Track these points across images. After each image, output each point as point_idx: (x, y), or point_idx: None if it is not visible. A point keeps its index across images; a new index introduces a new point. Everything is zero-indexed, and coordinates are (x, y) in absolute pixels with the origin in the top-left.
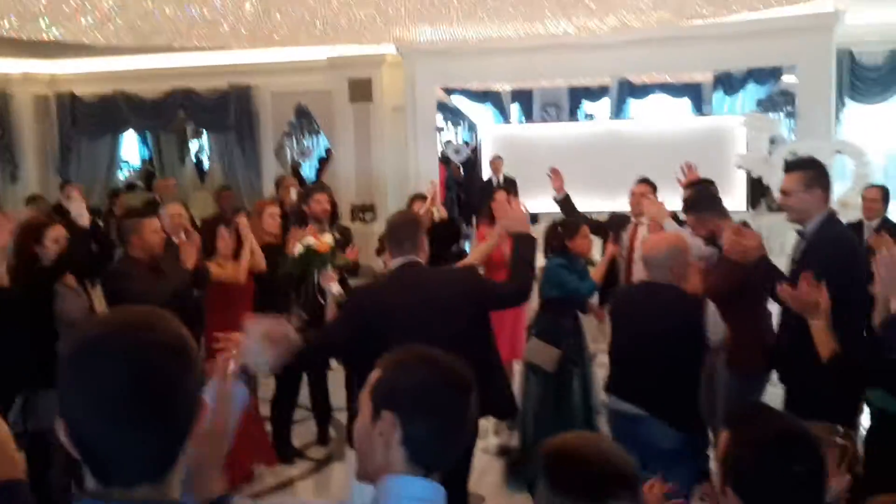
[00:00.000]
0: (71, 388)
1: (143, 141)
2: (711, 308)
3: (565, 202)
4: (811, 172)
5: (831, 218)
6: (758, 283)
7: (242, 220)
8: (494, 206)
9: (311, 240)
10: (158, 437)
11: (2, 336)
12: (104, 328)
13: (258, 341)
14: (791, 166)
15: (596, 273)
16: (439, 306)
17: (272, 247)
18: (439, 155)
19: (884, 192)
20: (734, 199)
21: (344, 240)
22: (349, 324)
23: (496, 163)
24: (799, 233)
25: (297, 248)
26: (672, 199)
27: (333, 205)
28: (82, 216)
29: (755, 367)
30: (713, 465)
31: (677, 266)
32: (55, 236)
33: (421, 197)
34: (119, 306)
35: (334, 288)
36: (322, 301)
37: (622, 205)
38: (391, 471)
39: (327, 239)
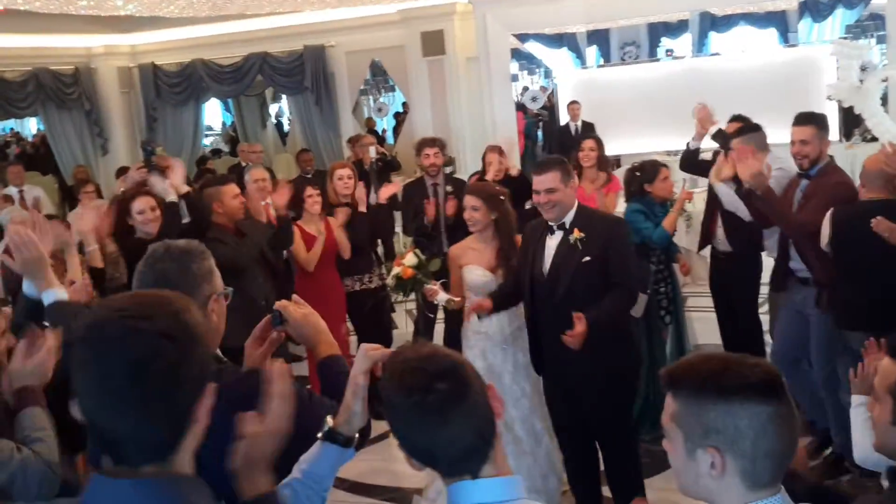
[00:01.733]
0: (77, 372)
1: (226, 107)
2: None
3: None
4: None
5: None
6: None
7: (341, 215)
8: (581, 157)
9: (397, 269)
10: (157, 420)
11: None
12: (104, 315)
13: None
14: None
15: (667, 221)
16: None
17: (347, 206)
18: (515, 103)
19: None
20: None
21: (457, 191)
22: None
23: (574, 108)
24: None
25: (392, 275)
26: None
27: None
28: (167, 191)
29: None
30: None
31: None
32: (140, 207)
33: (495, 148)
34: (129, 292)
35: (441, 298)
36: (431, 315)
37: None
38: None
39: (409, 261)
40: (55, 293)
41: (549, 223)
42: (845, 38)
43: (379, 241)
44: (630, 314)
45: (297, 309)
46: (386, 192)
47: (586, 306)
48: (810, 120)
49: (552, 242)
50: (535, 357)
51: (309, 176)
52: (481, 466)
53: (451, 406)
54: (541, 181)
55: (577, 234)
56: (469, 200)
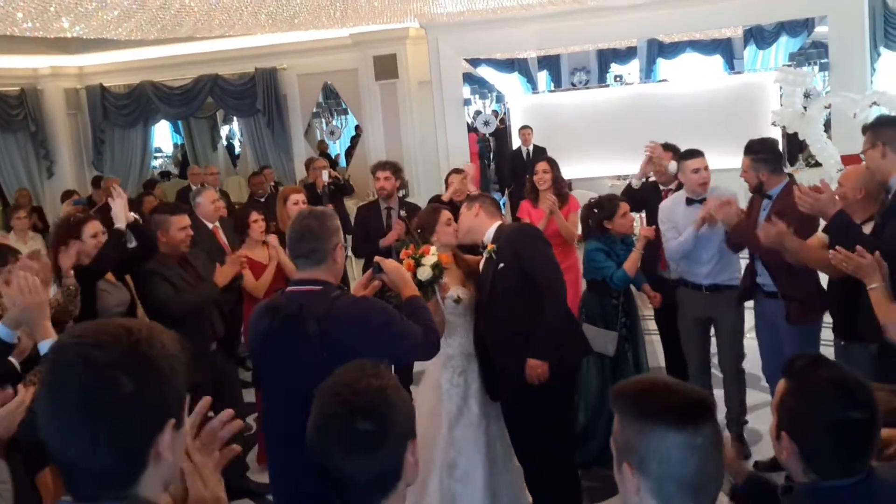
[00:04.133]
0: (39, 391)
1: (175, 128)
2: None
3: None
4: (873, 130)
5: None
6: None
7: (273, 240)
8: (536, 179)
9: (427, 265)
10: (107, 451)
11: None
12: (64, 340)
13: None
14: (863, 128)
15: (629, 263)
16: None
17: None
18: (468, 127)
19: None
20: None
21: (410, 215)
22: None
23: (525, 133)
24: (886, 190)
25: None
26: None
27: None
28: (120, 217)
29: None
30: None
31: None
32: (93, 231)
33: (457, 171)
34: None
35: (452, 294)
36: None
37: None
38: None
39: (430, 261)
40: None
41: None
42: (789, 66)
43: None
44: (598, 350)
45: (389, 262)
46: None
47: (512, 314)
48: (747, 150)
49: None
50: (490, 383)
51: (262, 199)
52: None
53: (359, 447)
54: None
55: (490, 247)
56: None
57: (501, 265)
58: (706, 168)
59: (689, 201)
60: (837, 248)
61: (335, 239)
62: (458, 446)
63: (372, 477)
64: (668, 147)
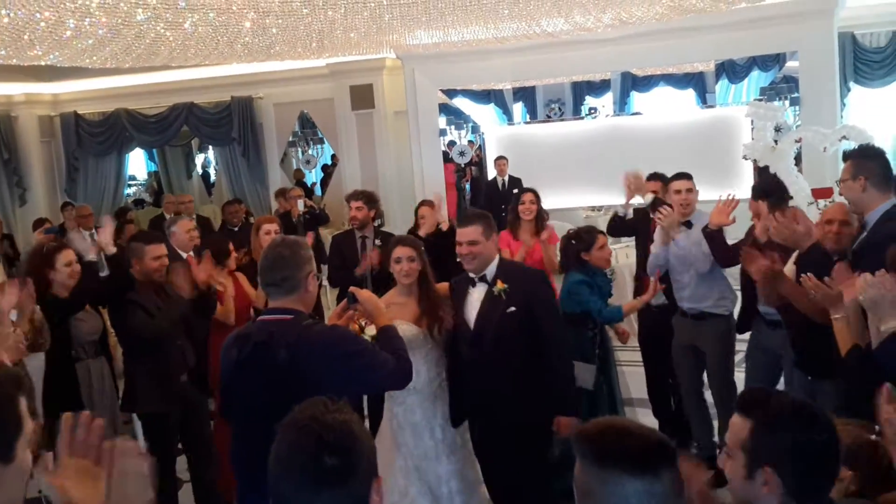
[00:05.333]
0: None
1: (150, 156)
2: None
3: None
4: (856, 161)
5: (893, 209)
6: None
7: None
8: (522, 209)
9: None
10: None
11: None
12: None
13: None
14: (845, 155)
15: (629, 306)
16: None
17: None
18: (443, 158)
19: None
20: (742, 188)
21: (385, 244)
22: None
23: (501, 163)
24: (862, 225)
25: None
26: None
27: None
28: (87, 249)
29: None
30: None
31: None
32: (67, 260)
33: (428, 202)
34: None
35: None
36: None
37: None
38: None
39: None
40: None
41: (471, 276)
42: (760, 100)
43: None
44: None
45: (363, 292)
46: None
47: (511, 357)
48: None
49: (476, 295)
50: (455, 409)
51: (235, 229)
52: None
53: (325, 483)
54: (464, 233)
55: (500, 285)
56: (405, 251)
57: (513, 308)
58: (689, 190)
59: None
60: (808, 274)
61: (307, 268)
62: (410, 478)
63: None
64: (655, 176)
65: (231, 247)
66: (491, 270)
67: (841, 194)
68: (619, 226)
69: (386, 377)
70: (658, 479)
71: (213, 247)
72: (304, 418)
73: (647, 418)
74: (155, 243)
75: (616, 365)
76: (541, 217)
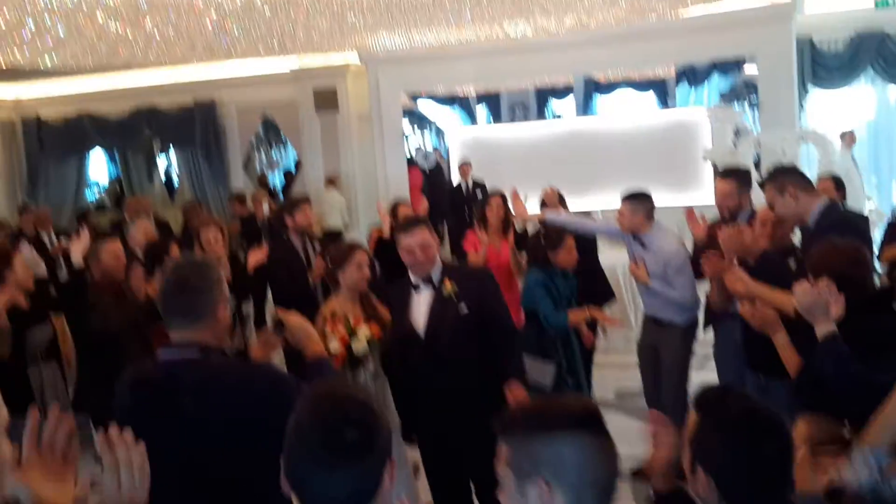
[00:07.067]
0: None
1: (111, 159)
2: None
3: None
4: (776, 181)
5: (828, 207)
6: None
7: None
8: (488, 213)
9: (362, 340)
10: None
11: None
12: None
13: None
14: (761, 184)
15: (574, 315)
16: None
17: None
18: (407, 161)
19: (836, 182)
20: (702, 191)
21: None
22: None
23: (465, 168)
24: (801, 228)
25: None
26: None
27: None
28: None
29: None
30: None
31: None
32: (23, 262)
33: (405, 203)
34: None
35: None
36: None
37: (590, 203)
38: None
39: (358, 348)
40: None
41: (414, 281)
42: (720, 105)
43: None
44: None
45: (292, 318)
46: (254, 259)
47: (469, 354)
48: (731, 175)
49: (423, 299)
50: (408, 421)
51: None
52: None
53: (345, 458)
54: (415, 237)
55: (448, 286)
56: (363, 257)
57: (465, 309)
58: (633, 211)
59: None
60: (746, 306)
61: (217, 292)
62: None
63: (349, 493)
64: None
65: (174, 248)
66: (436, 273)
67: (780, 215)
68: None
69: None
70: (602, 433)
71: (152, 249)
72: (326, 392)
73: (621, 422)
74: (109, 241)
75: (582, 366)
76: (508, 220)
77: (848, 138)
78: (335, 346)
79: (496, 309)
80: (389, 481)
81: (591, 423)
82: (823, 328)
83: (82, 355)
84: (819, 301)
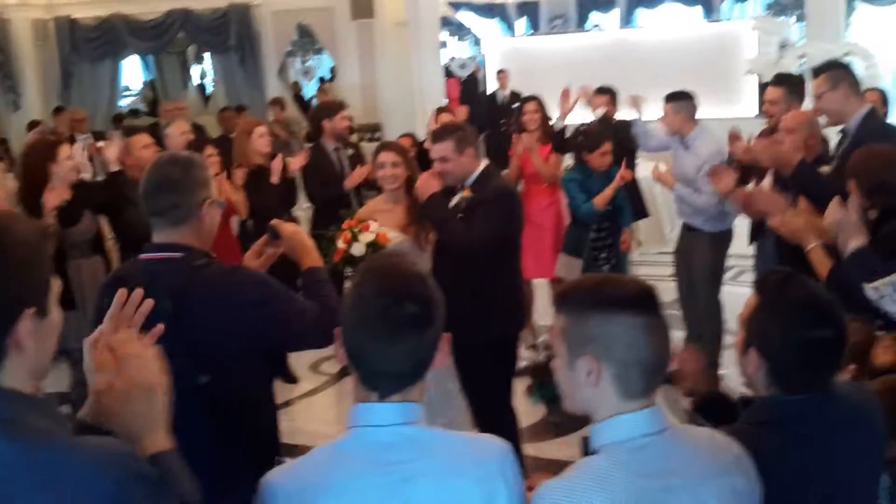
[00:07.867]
0: None
1: (146, 65)
2: None
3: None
4: (832, 72)
5: (872, 113)
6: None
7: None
8: (525, 120)
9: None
10: None
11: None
12: None
13: None
14: (816, 71)
15: (599, 198)
16: None
17: (262, 169)
18: (445, 71)
19: (882, 96)
20: (745, 104)
21: (356, 157)
22: None
23: (502, 77)
24: (841, 130)
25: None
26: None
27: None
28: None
29: None
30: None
31: None
32: (67, 153)
33: (446, 109)
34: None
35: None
36: None
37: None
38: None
39: (357, 251)
40: None
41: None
42: (766, 16)
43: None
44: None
45: (287, 226)
46: (296, 164)
47: (463, 270)
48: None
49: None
50: None
51: (232, 136)
52: (391, 395)
53: (404, 330)
54: (434, 150)
55: (466, 193)
56: (388, 157)
57: (460, 216)
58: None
59: None
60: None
61: (203, 192)
62: None
63: (408, 364)
64: (603, 90)
65: (216, 151)
66: (468, 182)
67: (817, 112)
68: (557, 139)
69: (302, 332)
70: (655, 315)
71: (190, 148)
72: (384, 266)
73: None
74: (137, 134)
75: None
76: (546, 125)
77: None
78: (359, 248)
79: (479, 215)
80: (445, 350)
81: (645, 304)
82: (854, 244)
83: (124, 251)
84: (851, 216)
